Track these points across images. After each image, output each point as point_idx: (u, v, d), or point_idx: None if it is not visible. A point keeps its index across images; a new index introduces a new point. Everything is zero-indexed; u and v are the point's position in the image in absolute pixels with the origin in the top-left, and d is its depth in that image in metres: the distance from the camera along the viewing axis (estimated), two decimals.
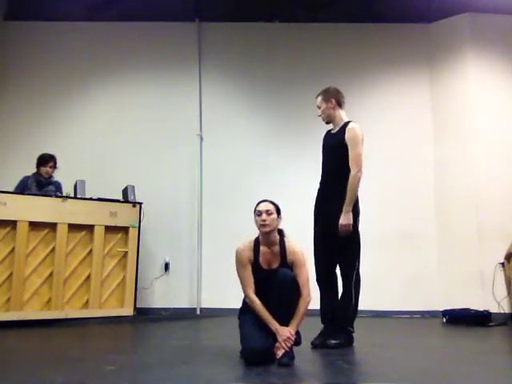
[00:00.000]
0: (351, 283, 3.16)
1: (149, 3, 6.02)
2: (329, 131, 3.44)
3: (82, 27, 6.08)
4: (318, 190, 3.40)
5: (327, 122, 3.40)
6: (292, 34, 6.05)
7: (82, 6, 6.05)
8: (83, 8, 6.06)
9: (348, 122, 3.27)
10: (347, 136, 3.19)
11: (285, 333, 2.55)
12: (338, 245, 3.17)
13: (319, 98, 3.39)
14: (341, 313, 3.18)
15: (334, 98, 3.32)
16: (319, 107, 3.37)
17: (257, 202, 2.86)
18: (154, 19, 6.03)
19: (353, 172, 3.14)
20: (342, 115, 3.33)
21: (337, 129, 3.32)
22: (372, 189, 5.57)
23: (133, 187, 5.10)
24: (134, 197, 5.05)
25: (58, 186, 4.80)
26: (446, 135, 5.67)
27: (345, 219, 3.10)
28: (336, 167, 3.24)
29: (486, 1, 5.64)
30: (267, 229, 2.75)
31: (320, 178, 3.40)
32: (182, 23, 6.06)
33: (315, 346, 3.08)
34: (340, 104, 3.33)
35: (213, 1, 6.05)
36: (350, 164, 3.15)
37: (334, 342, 3.08)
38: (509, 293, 5.04)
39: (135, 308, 4.82)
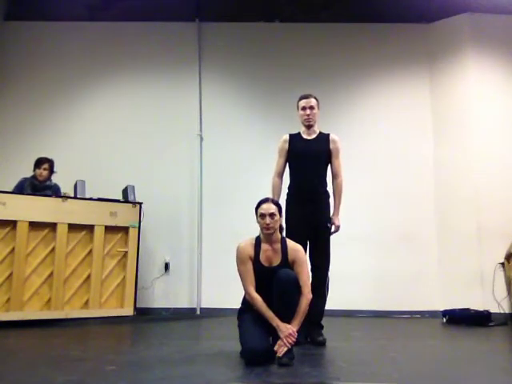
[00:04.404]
0: (325, 284, 3.35)
1: (149, 3, 6.03)
2: (297, 136, 3.48)
3: (82, 27, 6.09)
4: (296, 193, 3.42)
5: (309, 126, 3.44)
6: (292, 33, 6.05)
7: (82, 5, 6.06)
8: (83, 8, 6.08)
9: (326, 133, 3.46)
10: (334, 146, 3.43)
11: (286, 330, 2.56)
12: (321, 246, 3.34)
13: (314, 101, 3.43)
14: (319, 311, 3.33)
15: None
16: (313, 108, 3.41)
17: (258, 201, 2.85)
18: (154, 19, 6.04)
19: (341, 178, 3.46)
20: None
21: (313, 136, 3.44)
22: (372, 189, 5.61)
23: (133, 187, 5.10)
24: (134, 197, 5.05)
25: (57, 190, 4.73)
26: (446, 135, 5.66)
27: (339, 221, 3.40)
28: (322, 173, 3.44)
29: (485, 1, 5.64)
30: (271, 231, 2.77)
31: (296, 181, 3.44)
32: (182, 23, 6.06)
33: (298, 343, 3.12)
34: None
35: (213, 1, 6.05)
36: (336, 171, 3.45)
37: (322, 338, 3.23)
38: (509, 293, 5.04)
39: (135, 308, 4.82)
